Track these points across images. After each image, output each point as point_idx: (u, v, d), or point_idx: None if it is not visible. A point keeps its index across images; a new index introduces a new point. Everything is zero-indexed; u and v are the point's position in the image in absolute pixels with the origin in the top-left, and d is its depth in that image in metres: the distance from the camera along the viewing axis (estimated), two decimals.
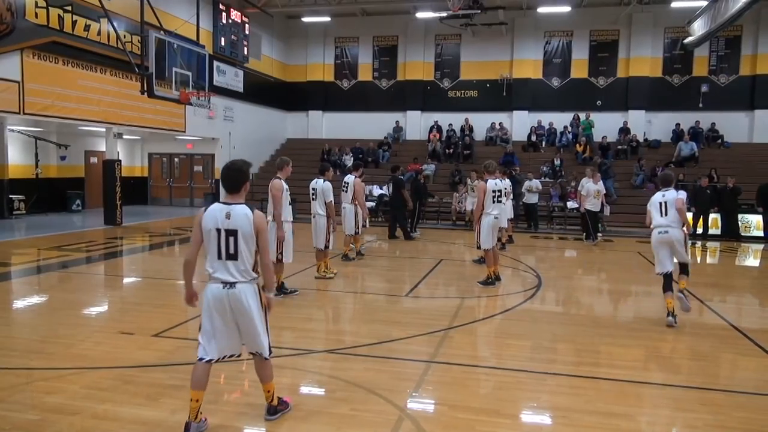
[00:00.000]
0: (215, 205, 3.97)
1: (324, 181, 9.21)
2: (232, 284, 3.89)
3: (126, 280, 10.05)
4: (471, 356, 5.96)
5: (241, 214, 3.89)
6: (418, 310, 7.94)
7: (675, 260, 7.27)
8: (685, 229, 7.19)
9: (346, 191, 11.22)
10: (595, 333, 6.81)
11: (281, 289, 8.07)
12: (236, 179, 4.01)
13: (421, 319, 7.29)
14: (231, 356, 4.07)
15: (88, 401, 4.52)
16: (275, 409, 4.25)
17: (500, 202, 9.12)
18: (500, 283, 9.33)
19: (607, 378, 5.28)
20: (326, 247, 9.28)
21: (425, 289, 9.14)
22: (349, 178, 11.30)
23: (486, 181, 9.05)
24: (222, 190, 4.26)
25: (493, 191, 8.99)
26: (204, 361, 3.97)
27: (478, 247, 9.37)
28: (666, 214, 7.10)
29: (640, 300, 9.07)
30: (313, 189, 9.19)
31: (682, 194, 7.17)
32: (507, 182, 13.42)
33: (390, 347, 6.05)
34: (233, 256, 3.88)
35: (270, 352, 4.11)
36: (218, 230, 3.88)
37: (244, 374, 4.87)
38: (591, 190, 14.74)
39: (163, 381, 4.96)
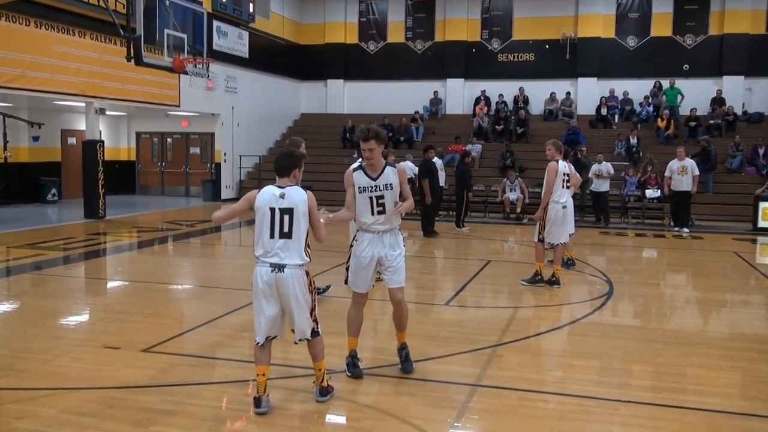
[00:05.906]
0: (269, 187, 4.81)
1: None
2: (281, 268, 4.65)
3: (110, 285, 10.25)
4: (525, 379, 5.93)
5: (295, 194, 4.73)
6: (461, 322, 7.93)
7: None
8: None
9: None
10: (680, 352, 6.72)
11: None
12: (287, 163, 4.85)
13: (464, 333, 7.28)
14: (274, 338, 4.86)
15: (66, 428, 4.62)
16: (326, 390, 5.05)
17: (568, 188, 9.46)
18: (544, 285, 9.40)
19: (695, 408, 5.21)
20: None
21: (470, 297, 9.12)
22: None
23: (557, 162, 9.31)
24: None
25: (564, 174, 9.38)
26: (259, 345, 4.82)
27: (540, 241, 9.51)
28: None
29: (736, 312, 8.92)
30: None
31: None
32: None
33: (426, 367, 6.06)
34: (287, 235, 4.67)
35: (316, 334, 4.93)
36: (272, 209, 4.67)
37: (249, 398, 4.94)
38: (674, 168, 15.63)
39: (153, 405, 5.04)
